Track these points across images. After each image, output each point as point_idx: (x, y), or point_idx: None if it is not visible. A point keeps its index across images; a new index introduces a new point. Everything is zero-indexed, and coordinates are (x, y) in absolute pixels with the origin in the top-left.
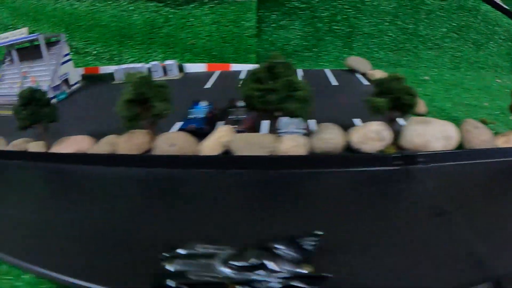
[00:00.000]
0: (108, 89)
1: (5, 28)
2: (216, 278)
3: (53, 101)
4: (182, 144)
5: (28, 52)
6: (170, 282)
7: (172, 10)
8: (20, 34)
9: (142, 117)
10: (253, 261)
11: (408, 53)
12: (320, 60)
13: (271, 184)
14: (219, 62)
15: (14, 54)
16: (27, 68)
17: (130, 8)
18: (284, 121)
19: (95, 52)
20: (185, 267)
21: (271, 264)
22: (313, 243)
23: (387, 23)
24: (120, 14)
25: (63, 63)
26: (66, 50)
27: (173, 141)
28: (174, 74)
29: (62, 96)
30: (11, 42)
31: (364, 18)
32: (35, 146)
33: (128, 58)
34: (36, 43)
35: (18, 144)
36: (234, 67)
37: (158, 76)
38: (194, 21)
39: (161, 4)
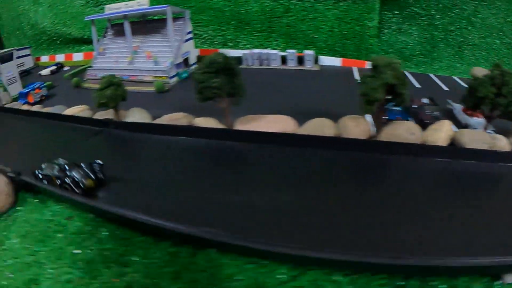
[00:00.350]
0: None
1: (97, 4)
2: (51, 173)
3: (175, 79)
4: (418, 133)
5: (140, 26)
6: (37, 171)
7: (294, 1)
8: (139, 5)
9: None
10: (65, 167)
11: (509, 67)
12: (434, 66)
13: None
14: (341, 58)
15: (127, 26)
16: (138, 43)
17: None
18: (477, 121)
19: (205, 35)
20: (46, 167)
21: (71, 172)
22: (98, 168)
23: (493, 37)
24: None
25: (186, 40)
26: (189, 27)
27: (412, 131)
28: (311, 65)
29: (185, 75)
30: (128, 13)
31: (474, 30)
32: (207, 122)
33: (245, 44)
34: (149, 17)
35: (178, 118)
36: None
37: (292, 65)
38: (316, 15)
39: None
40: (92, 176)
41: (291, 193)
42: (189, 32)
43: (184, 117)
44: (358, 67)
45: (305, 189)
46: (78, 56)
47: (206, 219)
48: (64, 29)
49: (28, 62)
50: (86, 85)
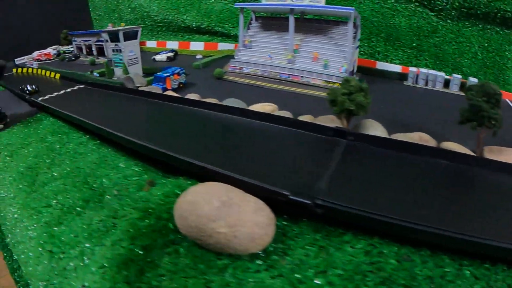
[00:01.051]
0: (403, 90)
1: None
2: (25, 89)
3: None
4: None
5: (299, 23)
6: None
7: (442, 22)
8: (313, 1)
9: None
10: (26, 86)
11: None
12: None
13: None
14: None
15: (292, 22)
16: (298, 41)
17: (397, 7)
18: None
19: None
20: (26, 88)
21: (27, 86)
22: (33, 87)
23: None
24: (383, 10)
25: (356, 47)
26: (359, 34)
27: None
28: None
29: None
30: (296, 7)
31: None
32: (457, 147)
33: (393, 59)
34: (307, 16)
35: (427, 140)
36: None
37: (455, 90)
38: (462, 39)
39: (432, 13)
40: (35, 89)
41: None
42: (358, 39)
43: (430, 140)
44: (510, 100)
45: None
46: (196, 45)
47: None
48: (177, 15)
49: None
50: (229, 77)
